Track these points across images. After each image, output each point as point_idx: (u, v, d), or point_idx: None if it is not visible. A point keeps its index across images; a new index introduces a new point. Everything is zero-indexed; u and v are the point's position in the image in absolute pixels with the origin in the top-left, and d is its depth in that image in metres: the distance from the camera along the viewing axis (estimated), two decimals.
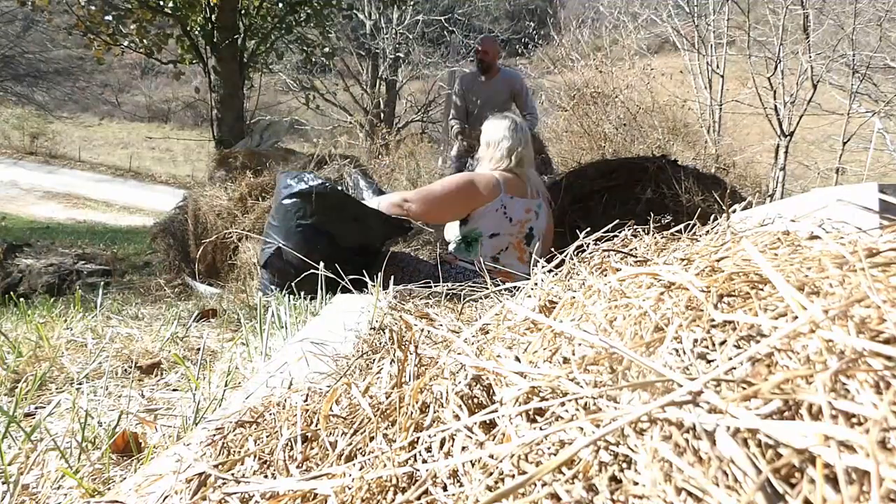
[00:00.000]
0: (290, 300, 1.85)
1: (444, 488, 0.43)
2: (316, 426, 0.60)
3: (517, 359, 0.54)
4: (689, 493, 0.33)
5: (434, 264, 2.40)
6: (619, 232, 0.82)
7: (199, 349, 1.42)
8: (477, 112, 4.70)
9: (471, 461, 0.43)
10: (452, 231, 2.45)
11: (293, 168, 4.25)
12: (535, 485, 0.38)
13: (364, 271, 1.93)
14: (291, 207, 2.41)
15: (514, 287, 0.95)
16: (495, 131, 2.42)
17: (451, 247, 2.43)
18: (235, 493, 0.52)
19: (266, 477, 0.55)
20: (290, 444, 0.58)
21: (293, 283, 2.25)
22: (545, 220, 2.47)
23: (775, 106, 8.03)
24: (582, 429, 0.40)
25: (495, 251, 2.34)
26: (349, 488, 0.46)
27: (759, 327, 0.44)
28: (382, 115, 13.81)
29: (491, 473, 0.41)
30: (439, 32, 15.90)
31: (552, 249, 0.88)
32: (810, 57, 7.76)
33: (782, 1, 8.20)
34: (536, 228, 2.42)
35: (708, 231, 0.73)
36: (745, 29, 8.69)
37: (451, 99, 5.00)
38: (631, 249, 0.74)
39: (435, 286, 1.37)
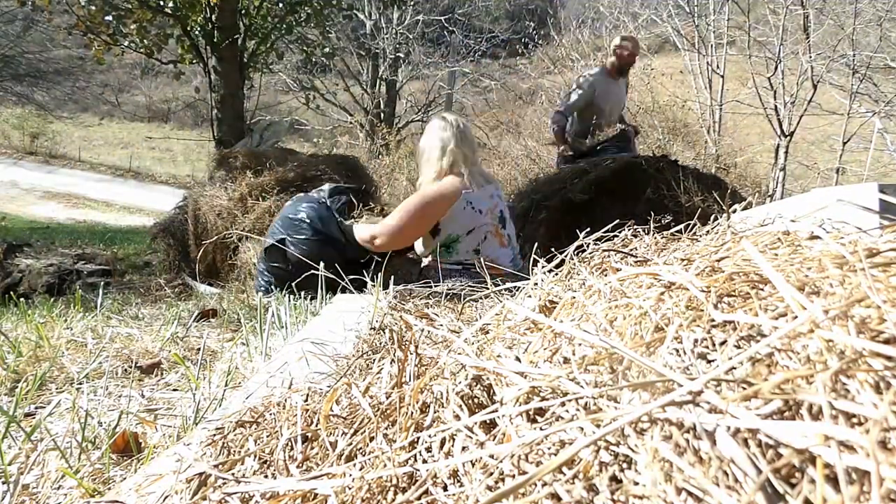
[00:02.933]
0: (290, 300, 1.85)
1: (445, 488, 0.43)
2: (316, 426, 0.60)
3: (517, 359, 0.54)
4: (690, 493, 0.33)
5: (426, 268, 2.42)
6: (619, 232, 0.82)
7: (199, 349, 1.42)
8: (609, 112, 4.47)
9: (471, 461, 0.43)
10: (419, 246, 2.50)
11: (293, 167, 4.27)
12: (536, 485, 0.38)
13: (364, 272, 1.94)
14: (299, 223, 2.51)
15: (514, 287, 0.95)
16: (426, 138, 2.46)
17: (429, 257, 2.46)
18: (236, 492, 0.52)
19: (266, 477, 0.55)
20: (290, 444, 0.58)
21: (293, 283, 2.26)
22: (505, 201, 2.52)
23: (775, 106, 8.02)
24: (582, 429, 0.40)
25: (475, 244, 2.38)
26: (349, 488, 0.46)
27: (760, 327, 0.44)
28: (382, 115, 13.81)
29: (491, 473, 0.41)
30: (439, 32, 15.89)
31: (552, 249, 0.88)
32: (810, 57, 7.75)
33: (782, 1, 8.19)
34: (504, 209, 2.48)
35: (708, 231, 0.73)
36: (745, 29, 8.68)
37: (570, 98, 4.54)
38: (631, 249, 0.74)
39: (434, 286, 1.38)
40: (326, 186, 2.76)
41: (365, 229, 2.40)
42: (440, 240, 2.39)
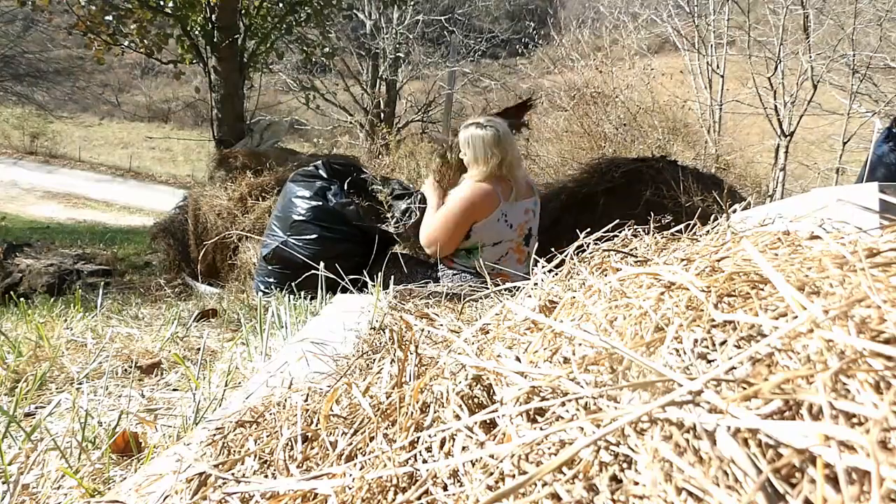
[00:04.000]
0: (290, 300, 1.85)
1: (445, 488, 0.43)
2: (316, 426, 0.60)
3: (518, 359, 0.54)
4: (690, 493, 0.33)
5: (432, 264, 2.41)
6: (619, 232, 0.82)
7: (199, 349, 1.42)
8: None
9: (471, 461, 0.43)
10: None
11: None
12: (536, 485, 0.38)
13: (364, 272, 1.94)
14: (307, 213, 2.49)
15: (515, 287, 0.95)
16: (480, 140, 2.36)
17: (451, 256, 2.41)
18: (235, 492, 0.52)
19: (266, 477, 0.55)
20: (290, 443, 0.58)
21: (293, 284, 2.26)
22: (538, 216, 2.48)
23: (775, 106, 8.02)
24: (582, 429, 0.40)
25: (496, 258, 2.33)
26: (349, 488, 0.46)
27: (760, 327, 0.44)
28: (382, 115, 13.79)
29: (491, 473, 0.41)
30: (439, 32, 15.87)
31: (552, 249, 0.88)
32: (810, 57, 7.75)
33: (782, 1, 8.19)
34: (534, 227, 2.43)
35: (708, 231, 0.73)
36: (745, 29, 8.68)
37: None
38: (631, 249, 0.74)
39: (435, 286, 1.38)
40: (320, 164, 2.71)
41: (422, 233, 2.36)
42: (468, 245, 2.33)
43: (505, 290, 0.92)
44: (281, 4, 6.72)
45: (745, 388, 0.37)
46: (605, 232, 0.82)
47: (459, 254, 2.38)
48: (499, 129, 2.37)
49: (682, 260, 0.61)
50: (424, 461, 0.46)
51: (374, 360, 0.79)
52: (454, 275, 2.34)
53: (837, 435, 0.31)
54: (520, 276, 2.21)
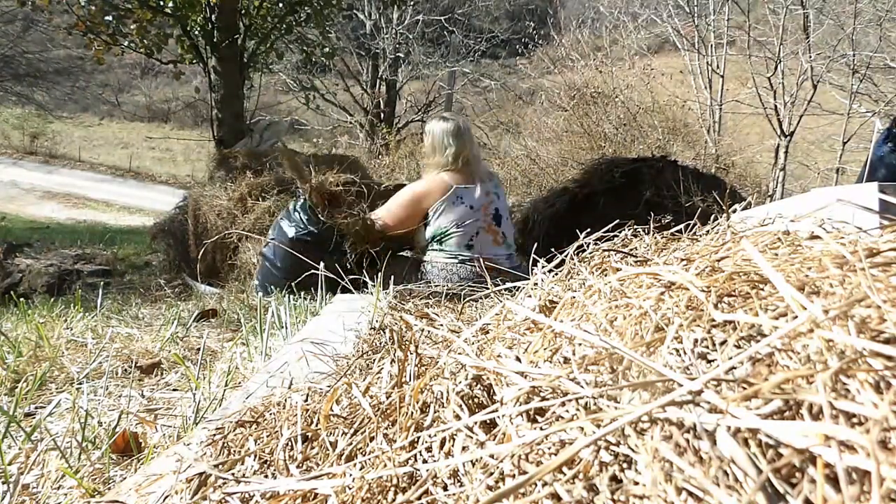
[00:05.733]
0: (290, 300, 1.85)
1: (445, 488, 0.43)
2: (316, 426, 0.60)
3: (518, 359, 0.54)
4: (690, 493, 0.33)
5: (423, 262, 2.48)
6: (619, 232, 0.82)
7: (199, 349, 1.42)
8: None
9: (471, 461, 0.43)
10: (421, 237, 2.57)
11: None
12: (536, 485, 0.38)
13: (365, 272, 1.95)
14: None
15: (514, 287, 0.95)
16: (439, 135, 2.54)
17: (425, 252, 2.54)
18: (236, 492, 0.52)
19: (266, 477, 0.55)
20: (290, 443, 0.58)
21: (293, 284, 2.26)
22: (505, 200, 2.64)
23: (775, 106, 8.01)
24: (583, 429, 0.40)
25: (467, 238, 2.44)
26: (350, 488, 0.46)
27: (760, 327, 0.44)
28: (382, 115, 13.79)
29: (491, 473, 0.41)
30: (439, 32, 15.86)
31: (552, 249, 0.88)
32: (810, 57, 7.75)
33: (782, 1, 8.19)
34: (501, 208, 2.56)
35: (708, 231, 0.73)
36: (745, 29, 8.67)
37: None
38: (631, 249, 0.74)
39: (435, 286, 1.38)
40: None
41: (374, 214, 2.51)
42: (431, 232, 2.47)
43: (505, 289, 0.92)
44: (281, 4, 6.71)
45: (745, 388, 0.37)
46: (605, 232, 0.82)
47: (432, 245, 2.48)
48: (459, 123, 2.55)
49: (682, 260, 0.61)
50: (424, 461, 0.46)
51: (374, 360, 0.79)
52: (439, 270, 2.42)
53: (837, 435, 0.31)
54: (517, 274, 2.24)
